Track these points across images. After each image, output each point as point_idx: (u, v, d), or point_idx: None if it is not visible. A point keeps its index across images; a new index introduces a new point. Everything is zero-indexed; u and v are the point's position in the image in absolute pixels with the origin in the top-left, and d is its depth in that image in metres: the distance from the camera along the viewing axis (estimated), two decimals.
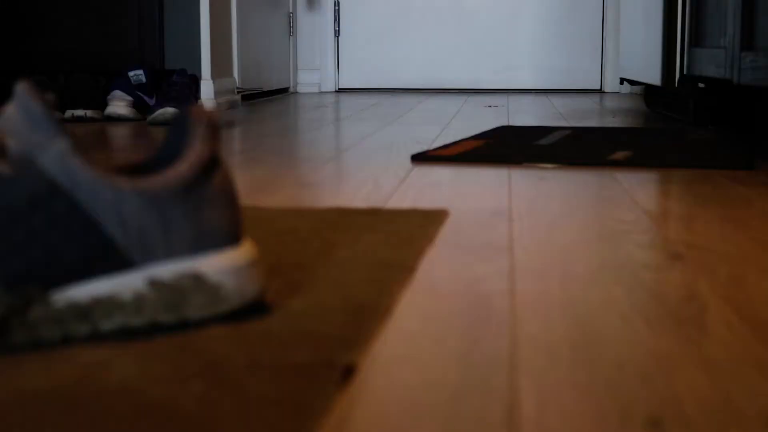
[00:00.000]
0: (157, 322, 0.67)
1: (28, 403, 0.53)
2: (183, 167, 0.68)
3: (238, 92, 3.31)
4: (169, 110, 2.48)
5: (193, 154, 0.69)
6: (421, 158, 1.76)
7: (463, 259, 0.93)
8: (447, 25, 4.32)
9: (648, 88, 3.04)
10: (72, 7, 2.85)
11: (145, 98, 2.71)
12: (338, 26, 4.34)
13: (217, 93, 3.01)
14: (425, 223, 1.09)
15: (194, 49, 2.96)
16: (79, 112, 2.62)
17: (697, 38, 2.32)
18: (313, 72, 4.33)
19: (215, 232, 0.69)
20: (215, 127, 0.71)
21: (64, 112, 2.64)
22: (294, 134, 2.33)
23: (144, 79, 2.71)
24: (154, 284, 0.67)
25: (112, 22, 2.85)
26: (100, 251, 0.65)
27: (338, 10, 4.32)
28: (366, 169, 1.63)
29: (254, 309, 0.72)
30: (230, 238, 0.70)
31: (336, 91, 4.35)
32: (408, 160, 1.76)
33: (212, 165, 0.70)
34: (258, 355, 0.61)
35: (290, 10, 4.22)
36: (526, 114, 2.99)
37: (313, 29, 4.33)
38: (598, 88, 4.27)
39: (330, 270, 0.85)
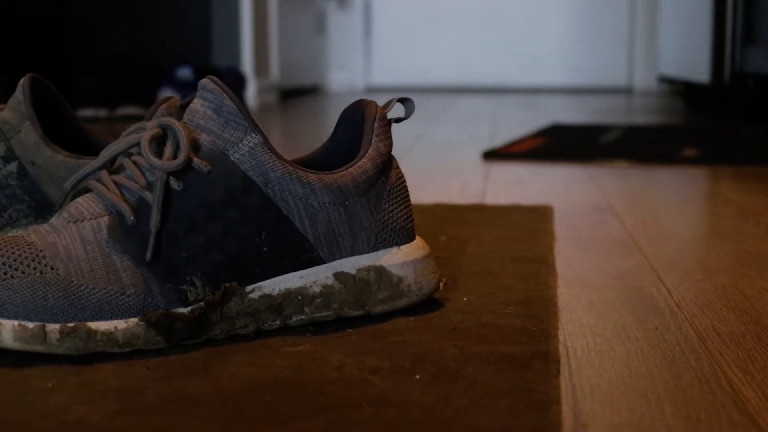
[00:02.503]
0: (342, 316, 0.68)
1: (254, 393, 0.54)
2: (366, 163, 0.69)
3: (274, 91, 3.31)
4: None
5: (373, 150, 0.70)
6: (493, 155, 1.76)
7: (594, 254, 0.94)
8: (475, 23, 4.33)
9: (688, 86, 3.05)
10: (119, 6, 2.86)
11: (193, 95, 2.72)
12: (369, 25, 4.34)
13: (259, 91, 3.02)
14: (538, 219, 1.10)
15: (236, 47, 2.97)
16: (130, 110, 2.63)
17: (749, 36, 2.33)
18: (342, 71, 4.34)
19: (395, 227, 0.70)
20: (388, 123, 0.72)
21: (114, 111, 2.65)
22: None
23: (191, 78, 2.72)
24: (341, 278, 0.68)
25: (159, 20, 2.86)
26: (291, 245, 0.66)
27: (369, 9, 4.33)
28: (441, 167, 1.64)
29: (428, 303, 0.73)
30: (407, 233, 0.71)
31: (365, 91, 4.35)
32: (476, 157, 1.77)
33: (389, 161, 0.71)
34: (463, 347, 0.62)
35: (321, 9, 4.23)
36: (565, 112, 3.00)
37: (343, 28, 4.33)
38: (627, 86, 4.27)
39: (472, 265, 0.86)
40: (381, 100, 3.61)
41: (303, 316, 0.67)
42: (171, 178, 0.64)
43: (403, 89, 4.35)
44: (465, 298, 0.75)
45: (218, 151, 0.65)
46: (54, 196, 0.81)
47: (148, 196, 0.63)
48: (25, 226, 0.83)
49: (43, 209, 0.82)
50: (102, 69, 2.83)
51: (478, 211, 1.15)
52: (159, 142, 0.65)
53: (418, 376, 0.57)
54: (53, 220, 0.66)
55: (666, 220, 1.12)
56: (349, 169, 0.68)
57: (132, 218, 0.63)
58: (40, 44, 2.83)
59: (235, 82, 2.59)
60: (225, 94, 0.66)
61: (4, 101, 2.82)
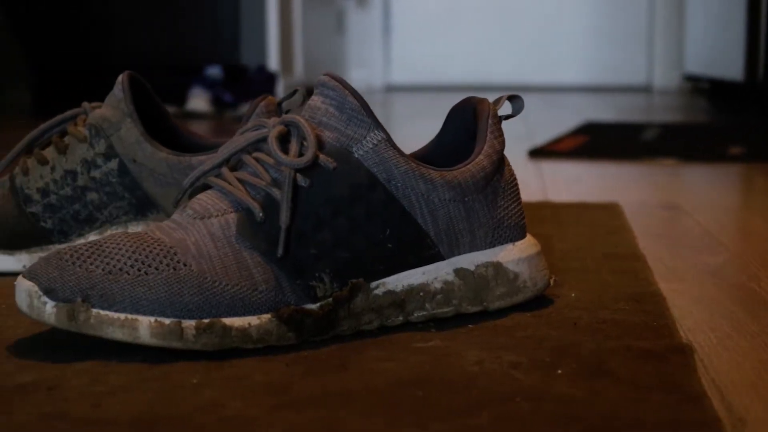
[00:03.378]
0: (460, 312, 0.69)
1: (402, 389, 0.54)
2: (483, 160, 0.69)
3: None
4: None
5: (489, 147, 0.70)
6: (539, 154, 1.77)
7: (680, 251, 0.94)
8: (494, 22, 4.33)
9: (715, 84, 3.05)
10: (148, 4, 2.86)
11: (222, 95, 2.73)
12: (388, 24, 4.35)
13: (285, 90, 3.02)
14: (611, 216, 1.10)
15: (262, 45, 2.97)
16: None
17: None
18: (361, 69, 4.34)
19: (510, 223, 0.71)
20: (500, 120, 0.72)
21: None
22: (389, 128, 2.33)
23: (221, 76, 2.72)
24: (461, 274, 0.68)
25: (188, 19, 2.86)
26: (414, 242, 0.66)
27: (388, 7, 4.33)
28: None
29: (539, 299, 0.73)
30: (521, 229, 0.71)
31: (384, 89, 4.36)
32: (520, 155, 1.77)
33: (503, 158, 0.71)
34: (599, 341, 0.62)
35: (341, 8, 4.23)
36: (593, 110, 3.00)
37: (362, 27, 4.34)
38: (647, 84, 4.27)
39: (568, 261, 0.86)
40: (401, 99, 3.61)
41: (424, 312, 0.67)
42: (298, 174, 0.64)
43: (422, 87, 4.35)
44: (573, 294, 0.75)
45: (342, 148, 0.65)
46: (154, 193, 0.82)
47: (276, 192, 0.63)
48: (125, 223, 0.83)
49: (143, 206, 0.82)
50: (132, 67, 2.83)
51: (550, 209, 1.15)
52: (283, 140, 0.65)
53: (560, 371, 0.57)
54: (175, 216, 0.66)
55: (740, 217, 1.13)
56: (468, 166, 0.69)
57: (261, 215, 0.63)
58: (69, 43, 2.83)
59: (267, 81, 2.59)
60: (347, 91, 0.66)
61: (37, 101, 2.83)
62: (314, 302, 0.63)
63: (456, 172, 0.68)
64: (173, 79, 2.71)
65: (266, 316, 0.62)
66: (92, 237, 0.83)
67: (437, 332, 0.66)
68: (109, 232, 0.83)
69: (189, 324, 0.60)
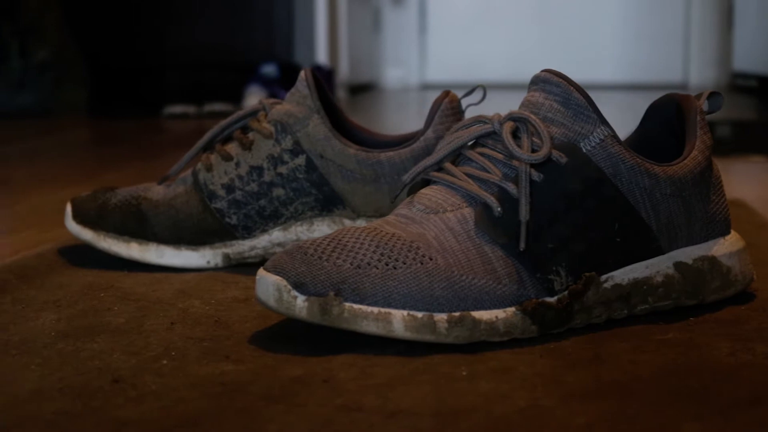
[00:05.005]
0: (679, 305, 0.69)
1: (673, 379, 0.55)
2: (698, 155, 0.70)
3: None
4: None
5: (700, 142, 0.71)
6: None
7: None
8: (530, 20, 4.34)
9: (764, 81, 3.06)
10: (203, 2, 2.87)
11: (278, 92, 2.73)
12: (424, 22, 4.35)
13: (336, 87, 3.03)
14: (745, 212, 1.11)
15: (312, 42, 2.98)
16: (218, 107, 2.64)
17: None
18: (397, 67, 4.35)
19: (720, 218, 0.71)
20: (705, 115, 0.73)
21: (202, 107, 2.66)
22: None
23: (276, 74, 2.73)
24: (680, 268, 0.69)
25: (243, 16, 2.87)
26: (638, 236, 0.67)
27: (424, 6, 4.34)
28: None
29: (743, 293, 0.74)
30: (728, 224, 0.72)
31: (420, 87, 4.36)
32: None
33: (711, 153, 0.72)
34: None
35: (377, 6, 4.24)
36: (640, 108, 3.00)
37: (398, 25, 4.34)
38: (683, 82, 4.28)
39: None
40: (430, 96, 3.62)
41: (646, 306, 0.68)
42: (532, 169, 0.65)
43: (458, 85, 4.35)
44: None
45: (570, 143, 0.66)
46: (341, 189, 0.82)
47: (511, 187, 0.64)
48: (310, 219, 0.84)
49: (329, 202, 0.83)
50: (188, 65, 2.84)
51: None
52: (513, 135, 0.66)
53: None
54: (402, 211, 0.67)
55: None
56: (685, 161, 0.69)
57: (499, 209, 0.64)
58: (125, 42, 2.84)
59: (326, 78, 2.60)
60: (572, 87, 0.67)
61: (93, 99, 2.83)
62: (551, 296, 0.64)
63: (675, 167, 0.69)
64: (230, 76, 2.71)
65: (511, 310, 0.63)
66: (276, 233, 0.84)
67: (666, 325, 0.66)
68: (293, 229, 0.84)
69: (441, 317, 0.61)
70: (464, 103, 0.84)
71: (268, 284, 0.62)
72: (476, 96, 0.90)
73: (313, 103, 0.83)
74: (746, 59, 3.05)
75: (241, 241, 0.84)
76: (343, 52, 3.32)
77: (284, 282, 0.61)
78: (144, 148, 1.94)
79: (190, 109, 2.65)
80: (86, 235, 0.85)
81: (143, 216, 0.84)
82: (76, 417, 0.50)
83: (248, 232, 0.84)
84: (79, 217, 0.85)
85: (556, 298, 0.64)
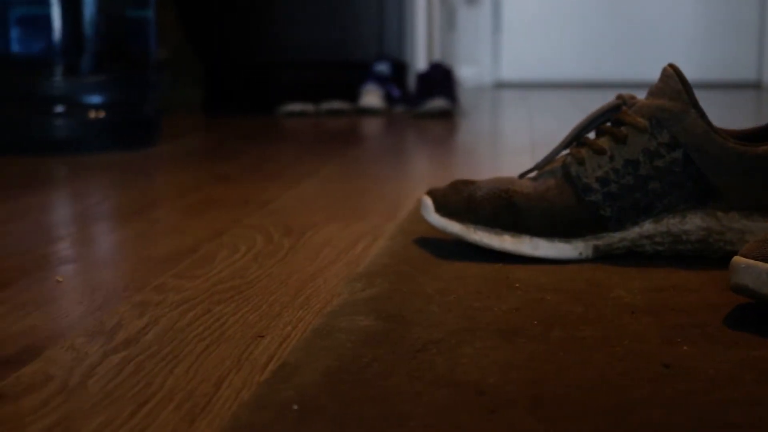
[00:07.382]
0: None
1: None
2: None
3: None
4: (439, 102, 2.51)
5: None
6: None
7: None
8: (602, 18, 4.36)
9: None
10: (316, 1, 2.88)
11: (391, 90, 2.75)
12: (498, 21, 4.37)
13: None
14: None
15: (405, 40, 3.00)
16: (335, 105, 2.66)
17: None
18: (471, 66, 4.37)
19: None
20: None
21: (319, 106, 2.67)
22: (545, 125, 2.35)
23: (389, 72, 2.74)
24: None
25: (354, 15, 2.88)
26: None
27: (498, 5, 4.35)
28: None
29: None
30: None
31: (494, 85, 4.38)
32: None
33: None
34: None
35: (451, 5, 4.26)
36: (727, 108, 3.02)
37: (472, 24, 4.36)
38: (756, 80, 4.29)
39: None
40: (510, 95, 3.63)
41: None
42: None
43: (531, 84, 4.38)
44: None
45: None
46: (717, 183, 0.84)
47: None
48: (682, 212, 0.85)
49: (704, 195, 0.84)
50: (302, 62, 2.85)
51: None
52: None
53: None
54: None
55: None
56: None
57: None
58: (240, 41, 2.85)
59: (445, 77, 2.61)
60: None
61: (208, 98, 2.84)
62: None
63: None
64: (345, 74, 2.73)
65: None
66: (647, 225, 0.85)
67: None
68: (665, 221, 0.85)
69: None
70: None
71: (761, 272, 0.64)
72: None
73: (688, 98, 0.84)
74: None
75: (611, 233, 0.85)
76: (436, 50, 3.33)
77: None
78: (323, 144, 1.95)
79: (309, 108, 2.66)
80: (453, 227, 0.86)
81: (516, 208, 0.85)
82: None
83: (620, 224, 0.85)
84: (443, 209, 0.87)
85: None
